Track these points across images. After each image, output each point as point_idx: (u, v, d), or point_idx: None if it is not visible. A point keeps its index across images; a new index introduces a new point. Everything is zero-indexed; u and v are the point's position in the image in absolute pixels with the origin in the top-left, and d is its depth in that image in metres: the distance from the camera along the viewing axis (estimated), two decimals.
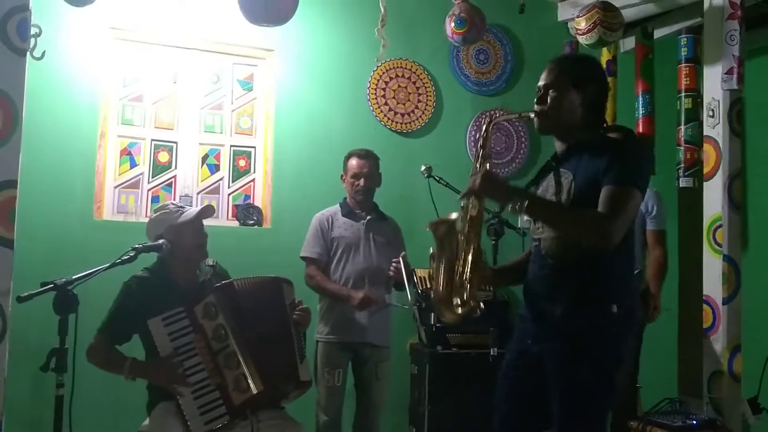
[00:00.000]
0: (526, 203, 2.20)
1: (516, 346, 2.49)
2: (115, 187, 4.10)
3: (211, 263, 3.07)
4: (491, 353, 3.25)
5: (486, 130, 2.39)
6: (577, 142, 2.37)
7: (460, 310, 2.28)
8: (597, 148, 2.30)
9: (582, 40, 3.81)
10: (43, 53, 2.81)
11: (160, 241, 2.77)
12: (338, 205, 3.82)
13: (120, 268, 2.62)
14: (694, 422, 3.48)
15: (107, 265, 2.49)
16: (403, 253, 3.58)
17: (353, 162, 3.76)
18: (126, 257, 2.57)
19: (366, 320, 3.62)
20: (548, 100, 2.35)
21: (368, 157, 3.78)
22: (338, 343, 3.66)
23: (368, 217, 3.77)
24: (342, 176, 3.82)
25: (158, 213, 2.93)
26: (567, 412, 2.27)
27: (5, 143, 2.62)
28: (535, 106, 2.40)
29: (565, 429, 2.28)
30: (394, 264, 3.57)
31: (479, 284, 2.30)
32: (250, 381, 2.66)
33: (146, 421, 2.84)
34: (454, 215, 2.31)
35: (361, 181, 3.72)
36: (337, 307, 3.65)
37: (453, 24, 3.92)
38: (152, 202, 4.14)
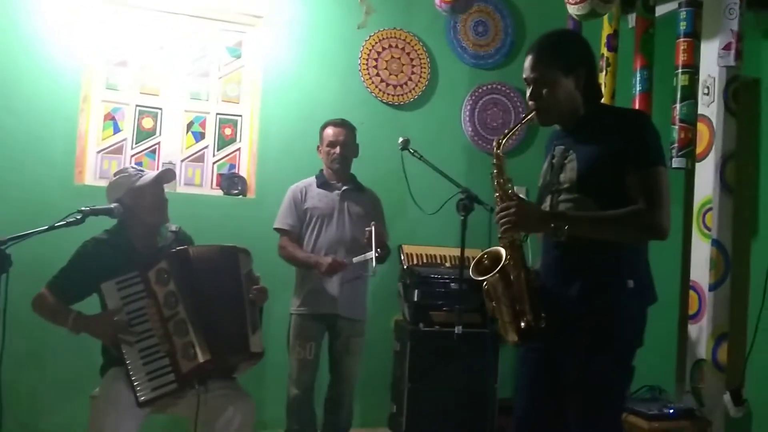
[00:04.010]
0: (568, 226, 2.13)
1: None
2: (98, 152, 4.08)
3: (174, 229, 3.03)
4: (456, 331, 3.16)
5: (496, 156, 2.28)
6: (578, 120, 2.29)
7: (525, 333, 2.22)
8: (599, 122, 2.24)
9: (572, 10, 3.65)
10: None
11: (113, 205, 2.73)
12: (314, 176, 3.76)
13: (78, 230, 2.58)
14: (671, 411, 3.38)
15: (45, 227, 2.45)
16: (373, 222, 3.50)
17: (329, 131, 3.70)
18: (71, 219, 2.53)
19: (337, 291, 3.56)
20: (542, 96, 2.25)
21: (344, 125, 3.71)
22: (310, 315, 3.61)
23: (344, 188, 3.70)
24: (318, 147, 3.77)
25: (118, 176, 2.89)
26: (585, 400, 2.20)
27: None
28: (530, 102, 2.30)
29: (584, 417, 2.20)
30: (366, 232, 3.49)
31: (539, 304, 2.21)
32: (197, 349, 2.61)
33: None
34: (501, 251, 2.21)
35: (337, 149, 3.66)
36: (308, 278, 3.61)
37: None
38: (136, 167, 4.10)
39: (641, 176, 2.15)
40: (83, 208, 2.57)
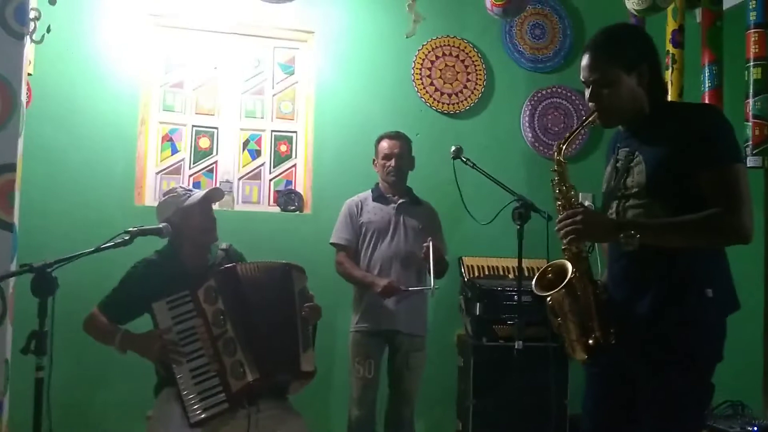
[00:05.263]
0: (639, 236, 1.97)
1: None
2: (157, 173, 4.15)
3: (224, 247, 3.01)
4: (515, 347, 3.02)
5: (557, 163, 2.17)
6: (643, 119, 2.15)
7: (594, 351, 2.10)
8: (666, 120, 2.09)
9: (631, 5, 3.48)
10: (43, 37, 2.82)
11: (161, 225, 2.73)
12: (370, 190, 3.70)
13: (126, 251, 2.59)
14: (755, 428, 3.13)
15: (92, 249, 2.46)
16: (430, 238, 3.40)
17: (384, 144, 3.64)
18: (119, 240, 2.53)
19: (394, 306, 3.48)
20: (603, 97, 2.11)
21: (399, 138, 3.65)
22: (368, 332, 3.54)
23: (400, 201, 3.62)
24: (374, 160, 3.72)
25: (167, 197, 2.90)
26: (659, 420, 2.04)
27: (3, 127, 2.65)
28: (590, 104, 2.16)
29: None
30: (423, 248, 3.40)
31: (608, 319, 2.09)
32: (246, 368, 2.58)
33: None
34: (566, 264, 2.10)
35: (392, 162, 3.59)
36: (366, 294, 3.54)
37: None
38: (194, 187, 4.14)
39: (717, 175, 1.98)
40: (131, 229, 2.56)
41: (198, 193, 2.87)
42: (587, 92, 2.16)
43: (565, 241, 2.06)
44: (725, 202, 1.96)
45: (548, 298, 2.11)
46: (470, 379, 3.89)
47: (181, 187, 2.96)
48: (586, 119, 2.19)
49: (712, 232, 1.99)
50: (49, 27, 3.17)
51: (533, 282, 2.14)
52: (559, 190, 2.15)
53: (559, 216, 2.09)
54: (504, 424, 3.79)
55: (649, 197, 2.07)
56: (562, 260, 2.10)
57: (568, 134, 2.18)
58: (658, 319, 2.02)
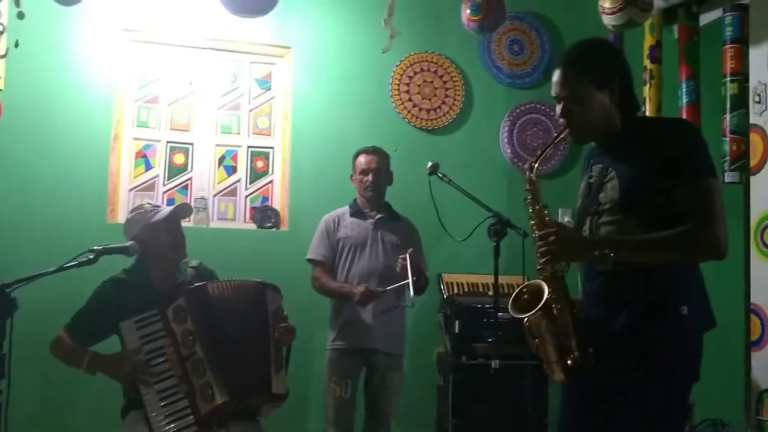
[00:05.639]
0: (614, 252, 1.94)
1: None
2: (130, 189, 4.07)
3: (195, 264, 2.94)
4: (492, 365, 2.97)
5: (529, 181, 2.13)
6: (616, 135, 2.11)
7: (572, 372, 2.05)
8: (639, 135, 2.07)
9: (608, 20, 3.48)
10: (7, 51, 2.76)
11: (128, 244, 2.66)
12: (348, 205, 3.65)
13: (94, 269, 2.51)
14: None
15: (54, 268, 2.38)
16: (410, 249, 3.35)
17: (361, 159, 3.61)
18: (83, 259, 2.46)
19: (372, 322, 3.42)
20: (574, 113, 2.08)
21: (376, 152, 3.61)
22: (345, 350, 3.47)
23: (378, 216, 3.58)
24: (351, 176, 3.67)
25: (134, 213, 2.84)
26: None
27: None
28: (561, 120, 2.12)
29: None
30: (400, 261, 3.35)
31: (585, 338, 2.04)
32: (215, 390, 2.50)
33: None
34: (542, 284, 2.05)
35: (370, 177, 3.56)
36: (343, 311, 3.48)
37: (468, 11, 3.67)
38: (168, 204, 4.07)
39: (691, 191, 1.95)
40: (96, 248, 2.49)
41: (165, 209, 2.81)
42: (558, 108, 2.12)
43: (541, 262, 2.02)
44: (700, 218, 1.93)
45: (525, 320, 2.06)
46: (449, 398, 3.83)
47: (148, 203, 2.90)
48: (557, 136, 2.16)
49: (687, 247, 1.96)
50: (17, 42, 3.12)
51: (509, 304, 2.09)
52: (532, 209, 2.11)
53: (533, 236, 2.06)
54: None
55: (622, 213, 2.03)
56: (538, 280, 2.06)
57: (539, 152, 2.14)
58: (634, 336, 1.98)
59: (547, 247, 1.99)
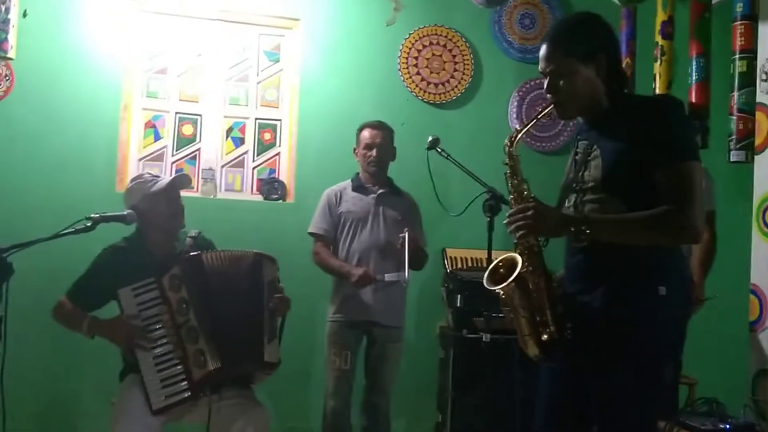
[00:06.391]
0: (589, 230, 1.95)
1: None
2: (139, 159, 4.13)
3: (193, 234, 2.99)
4: (483, 339, 2.99)
5: (509, 156, 2.12)
6: (601, 112, 2.10)
7: (547, 347, 2.06)
8: (625, 112, 2.05)
9: None
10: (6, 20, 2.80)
11: (126, 212, 2.71)
12: (350, 179, 3.66)
13: (91, 236, 2.57)
14: (727, 426, 3.09)
15: (50, 235, 2.44)
16: (406, 228, 3.37)
17: (365, 133, 3.60)
18: (80, 226, 2.52)
19: (371, 297, 3.45)
20: (559, 89, 2.07)
21: (381, 127, 3.60)
22: (345, 323, 3.51)
23: (379, 191, 3.59)
24: (354, 149, 3.67)
25: (133, 183, 2.88)
26: (609, 417, 2.02)
27: None
28: (547, 95, 2.12)
29: None
30: (400, 238, 3.37)
31: (562, 314, 2.05)
32: (208, 356, 2.56)
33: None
34: (516, 258, 2.05)
35: (374, 152, 3.56)
36: (344, 284, 3.51)
37: None
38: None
39: (669, 172, 1.93)
40: (93, 215, 2.55)
41: (164, 180, 2.85)
42: (545, 83, 2.12)
43: (516, 236, 2.03)
44: (677, 201, 1.91)
45: (501, 294, 2.07)
46: (450, 371, 3.86)
47: (149, 173, 2.94)
48: (542, 111, 2.15)
49: (662, 230, 1.95)
50: (25, 11, 3.16)
51: (485, 276, 2.10)
52: (511, 183, 2.11)
53: (510, 210, 2.06)
54: (484, 417, 3.77)
55: (605, 192, 2.03)
56: (513, 254, 2.06)
57: (520, 126, 2.14)
58: (610, 315, 1.99)
59: (523, 222, 1.99)
